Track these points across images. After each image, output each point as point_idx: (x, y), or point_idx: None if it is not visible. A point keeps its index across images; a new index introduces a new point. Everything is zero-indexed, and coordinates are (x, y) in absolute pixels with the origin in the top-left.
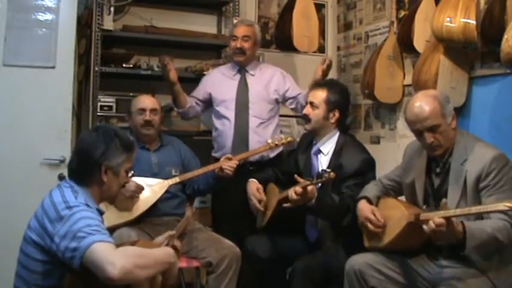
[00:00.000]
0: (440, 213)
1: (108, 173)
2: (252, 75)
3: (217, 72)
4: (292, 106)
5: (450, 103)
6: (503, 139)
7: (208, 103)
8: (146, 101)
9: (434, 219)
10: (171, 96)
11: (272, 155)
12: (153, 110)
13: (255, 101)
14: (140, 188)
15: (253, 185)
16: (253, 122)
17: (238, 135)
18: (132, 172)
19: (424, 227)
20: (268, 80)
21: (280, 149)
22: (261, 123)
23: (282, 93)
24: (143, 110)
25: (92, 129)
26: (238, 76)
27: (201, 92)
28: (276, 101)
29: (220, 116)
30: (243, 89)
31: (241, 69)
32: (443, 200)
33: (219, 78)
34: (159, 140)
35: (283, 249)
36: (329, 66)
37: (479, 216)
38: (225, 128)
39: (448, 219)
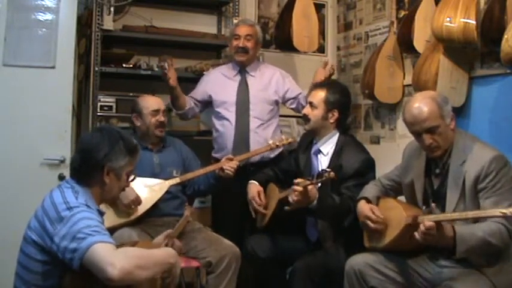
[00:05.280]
0: (439, 217)
1: (110, 174)
2: (253, 76)
3: (216, 73)
4: (293, 106)
5: (448, 104)
6: (503, 139)
7: (206, 104)
8: (159, 102)
9: (425, 222)
10: (170, 97)
11: (272, 155)
12: (164, 111)
13: (256, 102)
14: (139, 201)
15: (254, 188)
16: (253, 123)
17: (239, 136)
18: (133, 176)
19: (416, 234)
20: (268, 81)
21: (281, 149)
22: (261, 124)
23: (281, 94)
24: (157, 112)
25: (96, 129)
26: (238, 77)
27: (199, 92)
28: (276, 102)
29: (221, 118)
30: (243, 91)
31: (242, 70)
32: (432, 204)
33: (219, 79)
34: (162, 140)
35: (283, 249)
36: (332, 74)
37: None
38: (226, 130)
39: (438, 223)
